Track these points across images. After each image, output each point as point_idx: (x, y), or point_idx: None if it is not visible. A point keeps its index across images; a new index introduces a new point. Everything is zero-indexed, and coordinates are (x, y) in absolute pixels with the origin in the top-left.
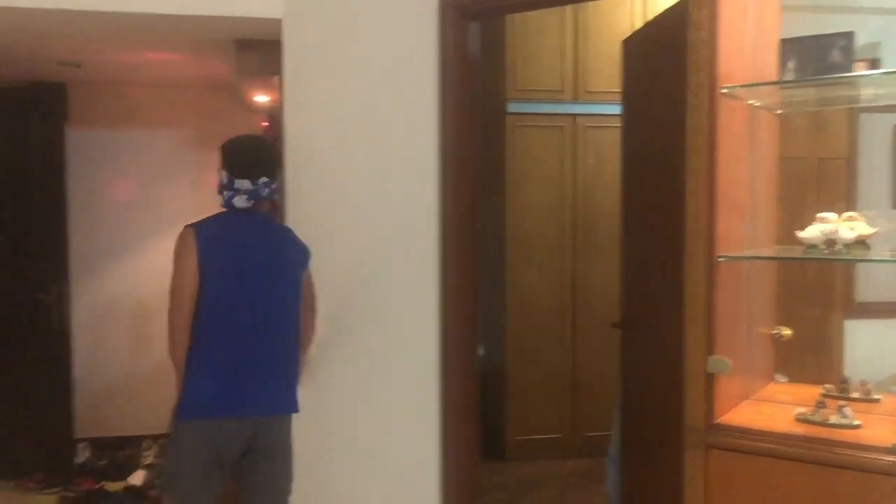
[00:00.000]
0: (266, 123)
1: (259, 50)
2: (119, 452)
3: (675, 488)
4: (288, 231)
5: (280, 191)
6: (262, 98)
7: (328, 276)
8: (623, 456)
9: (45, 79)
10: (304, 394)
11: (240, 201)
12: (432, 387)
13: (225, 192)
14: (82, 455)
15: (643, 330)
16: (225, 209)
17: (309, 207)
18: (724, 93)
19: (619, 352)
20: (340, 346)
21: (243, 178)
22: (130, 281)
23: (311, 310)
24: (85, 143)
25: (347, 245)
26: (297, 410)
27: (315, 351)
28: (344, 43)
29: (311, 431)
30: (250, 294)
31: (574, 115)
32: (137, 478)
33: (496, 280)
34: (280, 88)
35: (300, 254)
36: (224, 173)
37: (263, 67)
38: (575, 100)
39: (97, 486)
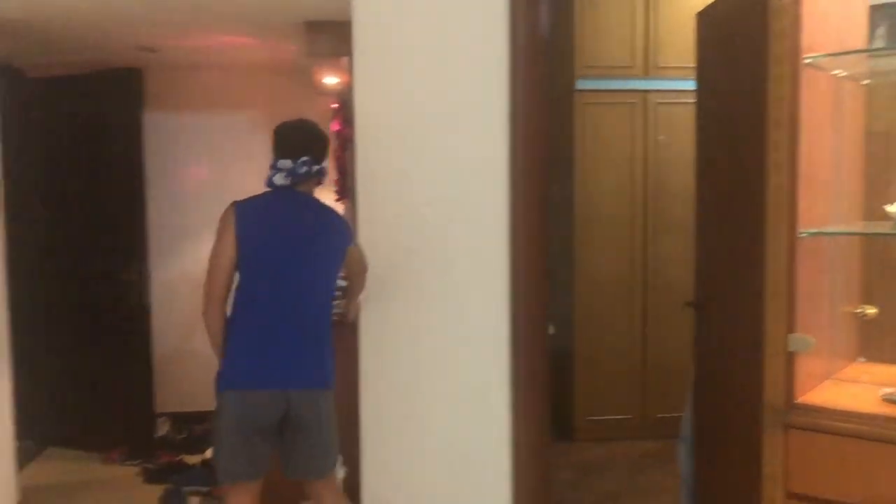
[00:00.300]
0: (336, 105)
1: (329, 31)
2: (196, 427)
3: (753, 469)
4: (328, 210)
5: (350, 172)
6: (331, 80)
7: (397, 255)
8: (696, 437)
9: (123, 64)
10: (371, 370)
11: (279, 179)
12: (502, 364)
13: (269, 171)
14: (162, 429)
15: (719, 308)
16: (268, 188)
17: (379, 187)
18: (807, 63)
19: (693, 331)
20: (409, 323)
21: (286, 158)
22: (205, 260)
23: (361, 276)
24: (160, 126)
25: (416, 224)
26: (325, 386)
27: (382, 328)
28: (413, 21)
29: (378, 408)
30: (282, 270)
31: (645, 92)
32: None
33: (565, 259)
34: (350, 70)
35: (339, 233)
36: (272, 155)
37: (333, 49)
38: (646, 76)
39: (176, 459)
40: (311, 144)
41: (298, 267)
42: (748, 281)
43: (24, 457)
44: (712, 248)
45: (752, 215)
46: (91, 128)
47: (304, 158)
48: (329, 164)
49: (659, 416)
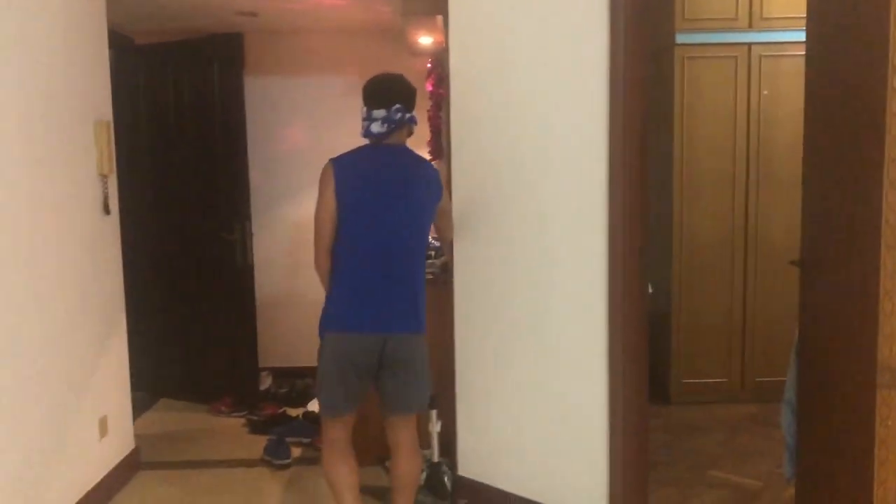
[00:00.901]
0: (430, 64)
1: None
2: (297, 381)
3: (864, 432)
4: (422, 161)
5: (444, 131)
6: (426, 40)
7: (492, 214)
8: (801, 399)
9: (225, 30)
10: (465, 326)
11: (375, 127)
12: (599, 322)
13: (363, 123)
14: (264, 383)
15: (829, 266)
16: (366, 141)
17: (473, 146)
18: None
19: (799, 291)
20: (504, 280)
21: (380, 108)
22: (304, 222)
23: (449, 227)
24: (260, 89)
25: (511, 182)
26: (418, 330)
27: (476, 285)
28: None
29: (472, 365)
30: (377, 220)
31: (749, 45)
32: (315, 405)
33: (662, 217)
34: (444, 29)
35: (432, 184)
36: (364, 109)
37: (428, 8)
38: (750, 28)
39: (280, 411)
40: (401, 93)
41: (392, 216)
42: (862, 236)
43: (138, 407)
44: (822, 203)
45: (868, 168)
46: (195, 92)
47: (397, 106)
48: (421, 121)
49: (758, 379)
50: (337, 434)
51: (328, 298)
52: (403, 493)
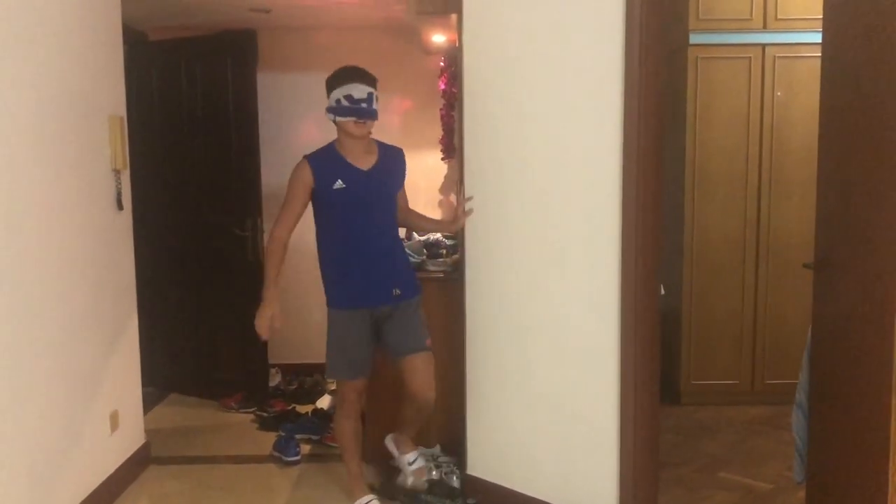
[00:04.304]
0: (443, 63)
1: None
2: (306, 379)
3: (878, 436)
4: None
5: (457, 130)
6: (439, 38)
7: (503, 214)
8: (812, 403)
9: (238, 26)
10: (476, 327)
11: None
12: (611, 322)
13: None
14: (273, 379)
15: (843, 268)
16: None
17: (485, 144)
18: None
19: (812, 293)
20: (515, 279)
21: None
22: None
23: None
24: (273, 86)
25: (524, 183)
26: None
27: (487, 283)
28: None
29: (487, 366)
30: None
31: (763, 45)
32: (324, 402)
33: (674, 219)
34: (458, 27)
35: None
36: None
37: (441, 6)
38: (764, 28)
39: (289, 408)
40: None
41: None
42: (877, 238)
43: (148, 402)
44: (836, 205)
45: (884, 170)
46: (208, 88)
47: None
48: (433, 120)
49: (768, 382)
50: None
51: None
52: None
